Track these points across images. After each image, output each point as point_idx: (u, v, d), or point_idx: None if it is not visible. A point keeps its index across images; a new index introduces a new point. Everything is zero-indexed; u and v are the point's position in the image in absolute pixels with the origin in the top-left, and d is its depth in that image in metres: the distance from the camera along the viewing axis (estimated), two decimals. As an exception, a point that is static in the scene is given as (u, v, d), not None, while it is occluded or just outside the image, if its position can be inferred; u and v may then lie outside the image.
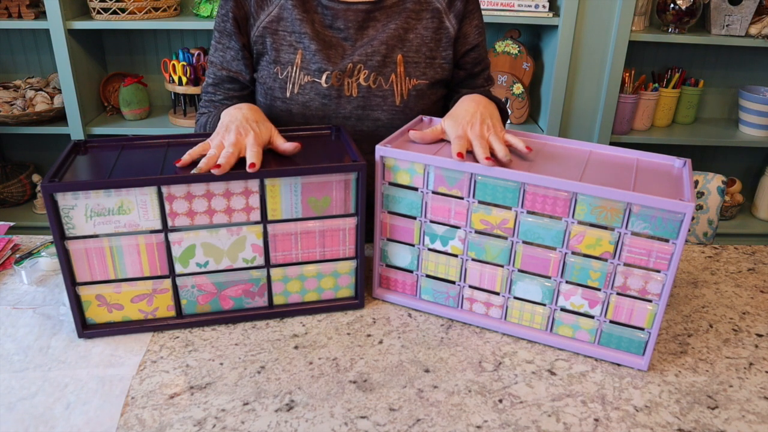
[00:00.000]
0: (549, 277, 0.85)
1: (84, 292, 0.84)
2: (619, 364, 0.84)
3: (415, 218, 0.89)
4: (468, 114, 0.93)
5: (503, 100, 1.10)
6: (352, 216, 0.88)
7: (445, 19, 1.09)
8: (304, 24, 1.05)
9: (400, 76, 1.08)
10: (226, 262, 0.87)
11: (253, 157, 0.83)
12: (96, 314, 0.86)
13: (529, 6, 2.13)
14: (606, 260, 0.81)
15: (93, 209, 0.80)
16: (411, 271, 0.94)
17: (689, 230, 1.38)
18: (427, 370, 0.82)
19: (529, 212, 0.82)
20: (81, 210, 0.79)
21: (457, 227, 0.87)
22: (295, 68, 1.06)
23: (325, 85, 1.05)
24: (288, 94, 1.07)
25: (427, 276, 0.93)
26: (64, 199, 0.78)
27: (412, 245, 0.92)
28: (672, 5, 2.16)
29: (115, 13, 2.10)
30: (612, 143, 2.26)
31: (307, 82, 1.06)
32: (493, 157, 0.84)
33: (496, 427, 0.73)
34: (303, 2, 1.06)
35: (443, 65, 1.11)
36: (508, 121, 2.22)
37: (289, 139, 0.90)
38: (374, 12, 1.06)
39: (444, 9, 1.09)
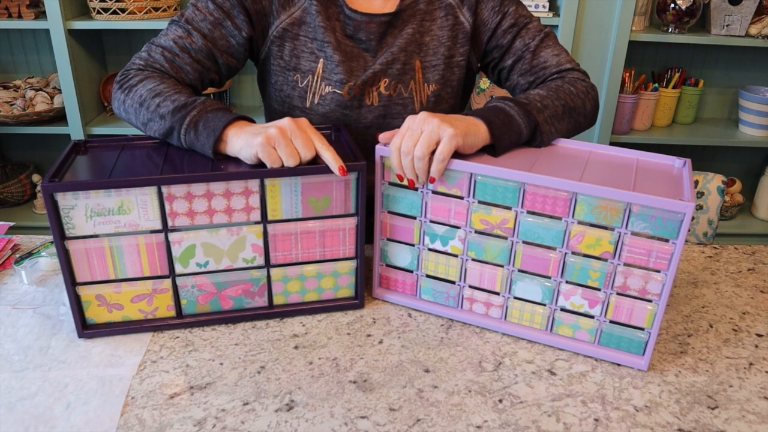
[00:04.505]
0: (549, 277, 0.85)
1: (84, 292, 0.84)
2: (619, 364, 0.84)
3: (415, 218, 0.89)
4: (430, 113, 0.86)
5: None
6: (352, 216, 0.88)
7: (459, 14, 1.06)
8: (327, 32, 1.02)
9: (418, 83, 1.06)
10: (226, 262, 0.87)
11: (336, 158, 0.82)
12: (96, 314, 0.86)
13: (529, 6, 2.13)
14: (606, 260, 0.81)
15: (93, 209, 0.80)
16: (411, 271, 0.94)
17: (689, 230, 1.38)
18: (427, 370, 0.82)
19: (529, 212, 0.82)
20: (81, 210, 0.79)
21: (457, 227, 0.87)
22: (316, 78, 1.03)
23: (346, 97, 1.04)
24: (308, 104, 1.05)
25: (427, 276, 0.93)
26: (64, 199, 0.78)
27: (412, 245, 0.92)
28: (672, 5, 2.17)
29: (115, 13, 2.11)
30: (612, 143, 2.27)
31: (328, 92, 1.04)
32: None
33: (496, 427, 0.73)
34: (326, 8, 1.03)
35: (460, 62, 1.08)
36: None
37: None
38: (393, 21, 1.04)
39: (456, 3, 1.06)
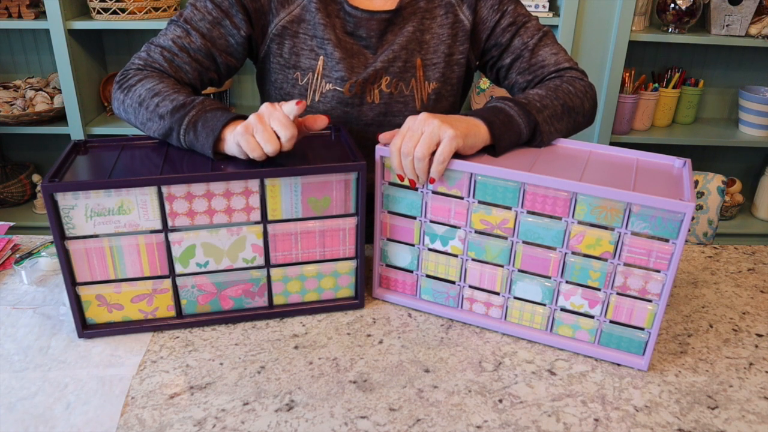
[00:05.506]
0: (549, 277, 0.85)
1: (84, 292, 0.84)
2: (619, 364, 0.84)
3: (415, 218, 0.89)
4: (430, 114, 0.85)
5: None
6: (352, 216, 0.88)
7: (459, 12, 1.06)
8: (327, 29, 1.02)
9: (419, 81, 1.06)
10: (226, 262, 0.87)
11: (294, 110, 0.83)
12: (96, 314, 0.86)
13: (529, 6, 2.13)
14: (606, 260, 0.81)
15: (93, 209, 0.80)
16: (411, 271, 0.94)
17: (689, 230, 1.38)
18: (427, 370, 0.82)
19: (529, 212, 0.82)
20: (81, 210, 0.79)
21: (457, 227, 0.87)
22: (316, 75, 1.03)
23: (348, 94, 1.04)
24: (309, 102, 1.05)
25: (427, 276, 0.93)
26: (64, 199, 0.78)
27: (412, 245, 0.92)
28: (672, 5, 2.17)
29: (115, 13, 2.11)
30: (612, 143, 2.27)
31: (329, 90, 1.04)
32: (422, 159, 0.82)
33: (496, 427, 0.73)
34: (326, 5, 1.03)
35: (460, 60, 1.08)
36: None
37: None
38: (393, 18, 1.05)
39: (456, 1, 1.06)
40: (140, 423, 0.72)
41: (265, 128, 0.81)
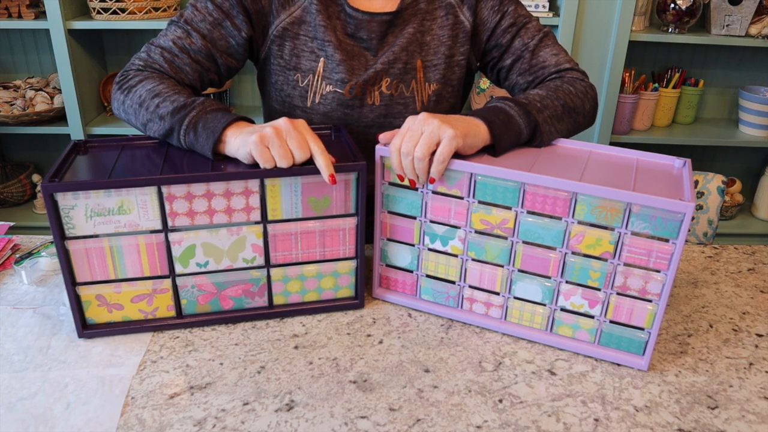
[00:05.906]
0: (549, 277, 0.85)
1: (84, 292, 0.84)
2: (619, 364, 0.84)
3: (415, 218, 0.90)
4: (430, 114, 0.86)
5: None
6: (352, 216, 0.88)
7: (459, 13, 1.06)
8: (328, 31, 1.02)
9: (420, 82, 1.06)
10: (226, 262, 0.87)
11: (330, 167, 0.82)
12: (96, 314, 0.86)
13: (529, 6, 2.13)
14: (606, 260, 0.81)
15: (93, 209, 0.80)
16: (411, 271, 0.94)
17: (689, 230, 1.38)
18: (427, 370, 0.82)
19: (529, 212, 0.82)
20: (81, 210, 0.79)
21: (457, 227, 0.87)
22: (316, 77, 1.03)
23: (348, 96, 1.04)
24: (309, 104, 1.05)
25: (427, 276, 0.93)
26: (64, 199, 0.78)
27: (412, 245, 0.92)
28: (672, 5, 2.17)
29: (115, 13, 2.11)
30: (612, 143, 2.27)
31: (329, 91, 1.04)
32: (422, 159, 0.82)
33: (496, 427, 0.73)
34: (326, 7, 1.02)
35: (461, 62, 1.08)
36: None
37: None
38: (394, 20, 1.04)
39: (457, 2, 1.06)
40: (140, 423, 0.72)
41: (281, 144, 0.81)
